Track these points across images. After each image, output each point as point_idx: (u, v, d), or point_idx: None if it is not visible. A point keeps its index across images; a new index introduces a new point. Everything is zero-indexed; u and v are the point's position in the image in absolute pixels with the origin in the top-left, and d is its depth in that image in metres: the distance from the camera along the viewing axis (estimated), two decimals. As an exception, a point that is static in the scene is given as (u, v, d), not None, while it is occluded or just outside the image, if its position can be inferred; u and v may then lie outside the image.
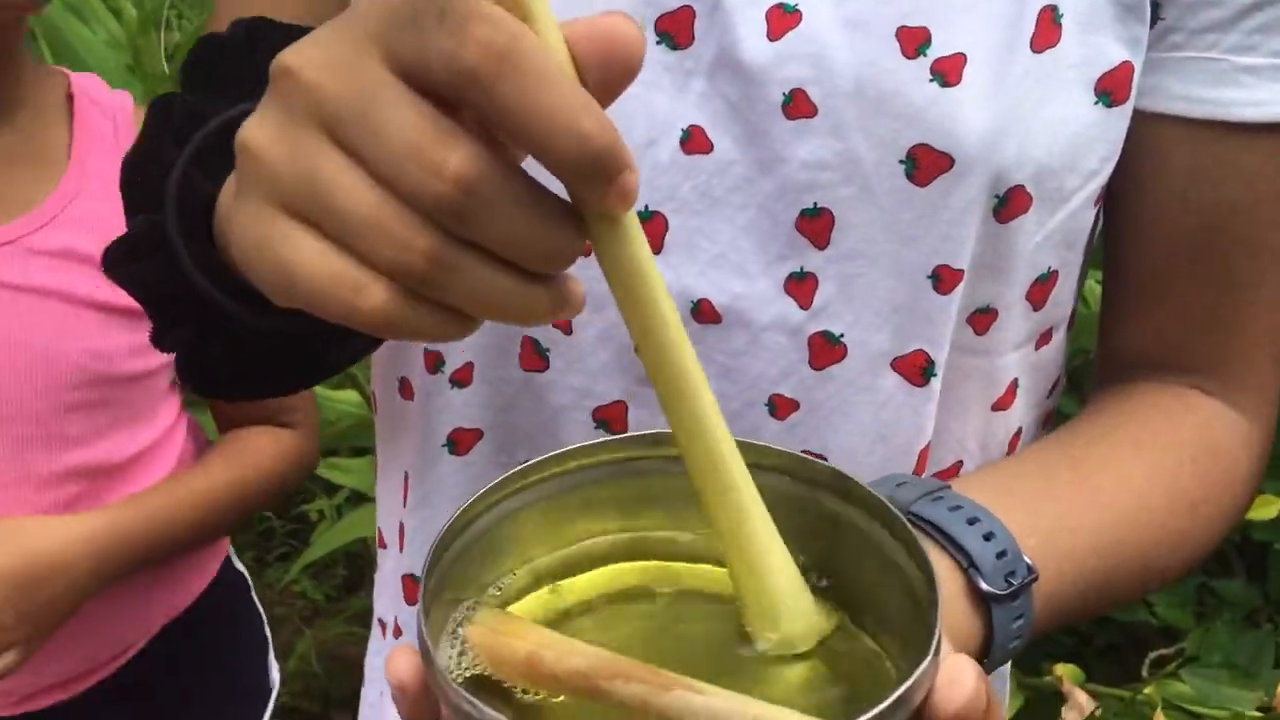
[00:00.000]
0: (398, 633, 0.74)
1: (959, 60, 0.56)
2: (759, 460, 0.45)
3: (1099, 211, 0.64)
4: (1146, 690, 1.48)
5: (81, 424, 1.02)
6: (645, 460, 0.47)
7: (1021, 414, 0.67)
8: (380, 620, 0.77)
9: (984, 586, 0.51)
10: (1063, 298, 0.64)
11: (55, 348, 0.99)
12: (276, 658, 1.30)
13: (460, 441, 0.67)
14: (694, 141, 0.59)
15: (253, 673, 1.27)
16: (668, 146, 0.59)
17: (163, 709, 1.17)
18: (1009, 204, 0.58)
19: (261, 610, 1.30)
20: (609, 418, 0.64)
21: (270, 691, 1.28)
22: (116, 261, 0.52)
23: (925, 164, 0.57)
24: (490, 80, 0.33)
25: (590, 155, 0.34)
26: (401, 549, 0.72)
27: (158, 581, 1.12)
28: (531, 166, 0.36)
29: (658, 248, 0.60)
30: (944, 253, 0.59)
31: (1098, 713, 1.49)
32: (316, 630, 2.37)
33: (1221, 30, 0.59)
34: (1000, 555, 0.52)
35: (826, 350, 0.61)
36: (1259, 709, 1.44)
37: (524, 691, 0.41)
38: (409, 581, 0.72)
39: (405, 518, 0.71)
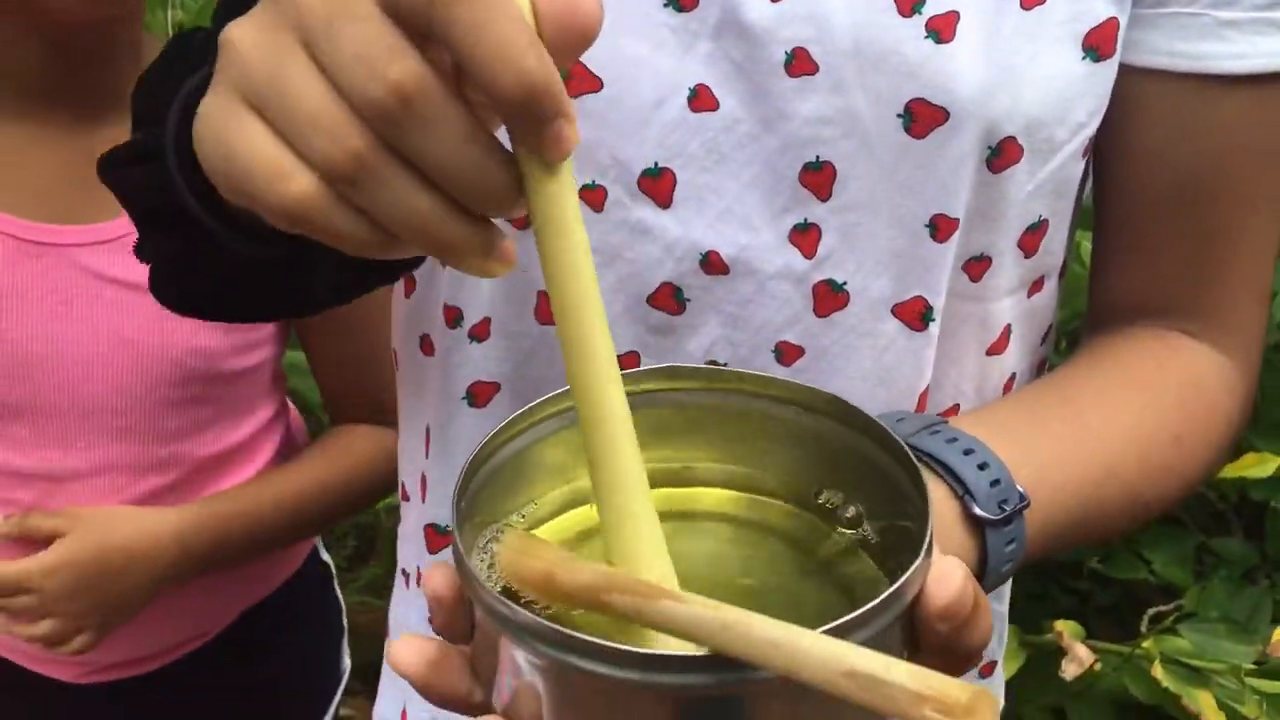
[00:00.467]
0: (421, 580, 0.77)
1: (952, 18, 0.59)
2: (770, 391, 0.49)
3: (1088, 163, 0.67)
4: (1145, 644, 1.51)
5: (181, 418, 1.04)
6: (663, 392, 0.51)
7: (1015, 359, 0.70)
8: (404, 571, 0.80)
9: (978, 512, 0.54)
10: (1054, 246, 0.67)
11: (158, 344, 1.00)
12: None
13: (479, 395, 0.70)
14: (701, 100, 0.61)
15: (327, 662, 1.28)
16: (675, 105, 0.61)
17: (234, 692, 1.18)
18: (1001, 155, 0.61)
19: (342, 601, 1.31)
20: (622, 367, 0.66)
21: (341, 678, 1.29)
22: (112, 164, 0.55)
23: (922, 117, 0.60)
24: (448, 3, 0.36)
25: (528, 93, 0.36)
26: (424, 500, 0.75)
27: (239, 572, 1.13)
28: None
29: (667, 202, 0.63)
30: (940, 202, 0.61)
31: (1097, 666, 1.52)
32: (330, 601, 2.41)
33: None
34: (994, 484, 0.55)
35: (830, 298, 0.64)
36: (1255, 662, 1.47)
37: (544, 607, 0.44)
38: (431, 531, 0.75)
39: (427, 469, 0.74)
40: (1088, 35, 0.61)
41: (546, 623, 0.40)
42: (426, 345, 0.72)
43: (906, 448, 0.47)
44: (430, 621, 0.46)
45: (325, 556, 1.28)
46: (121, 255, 0.99)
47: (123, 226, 0.99)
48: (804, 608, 0.47)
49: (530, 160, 0.39)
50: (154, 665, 1.12)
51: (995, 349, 0.68)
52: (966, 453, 0.55)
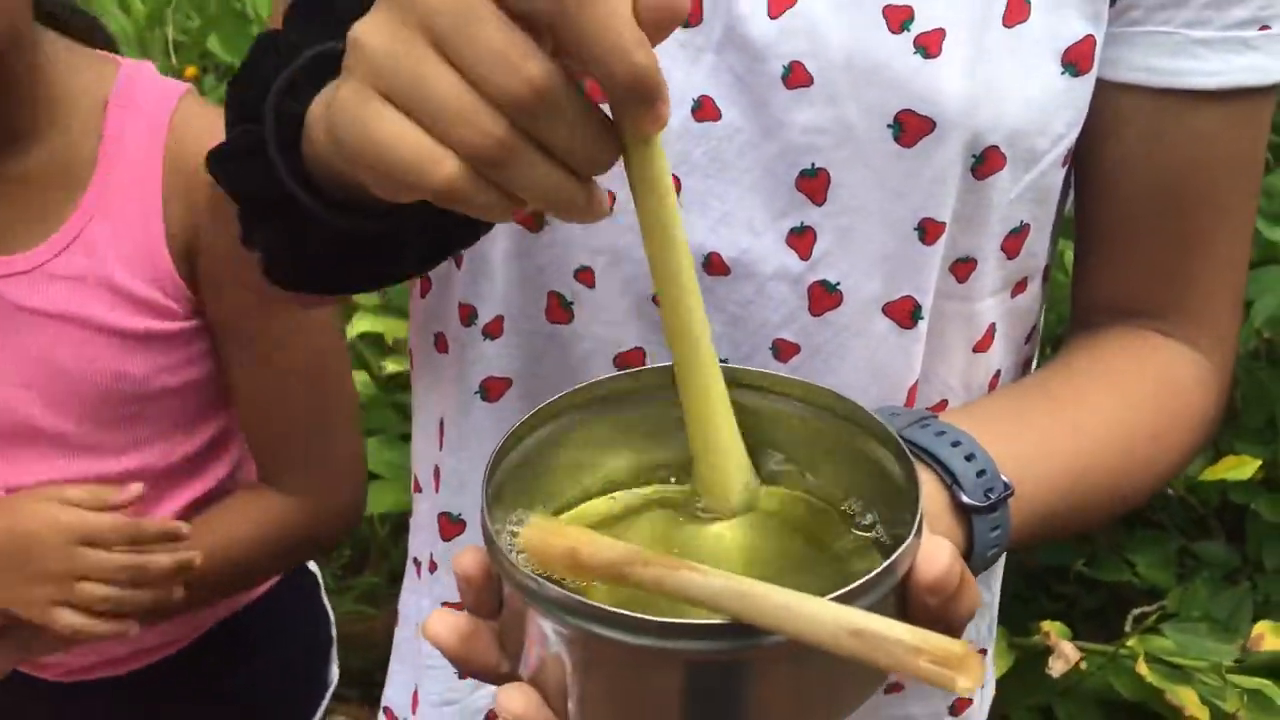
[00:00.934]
0: (433, 568, 0.81)
1: (939, 35, 0.63)
2: (773, 387, 0.53)
3: (1068, 171, 0.71)
4: (1129, 643, 1.55)
5: (120, 435, 1.03)
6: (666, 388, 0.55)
7: (1000, 357, 0.74)
8: (415, 560, 0.83)
9: (965, 499, 0.58)
10: (1036, 249, 0.71)
11: (81, 369, 1.00)
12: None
13: (491, 389, 0.74)
14: (704, 110, 0.65)
15: (312, 671, 1.28)
16: (681, 115, 0.65)
17: (211, 697, 1.18)
18: (985, 163, 0.65)
19: (330, 611, 1.31)
20: (629, 363, 0.70)
21: (326, 688, 1.29)
22: (217, 160, 0.59)
23: (910, 127, 0.64)
24: (574, 10, 0.42)
25: (638, 80, 0.43)
26: (437, 490, 0.79)
27: None
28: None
29: None
30: (928, 207, 0.65)
31: (1083, 665, 1.56)
32: (325, 610, 2.44)
33: (1176, 7, 0.66)
34: (980, 474, 0.59)
35: (824, 297, 0.67)
36: (1236, 660, 1.51)
37: (567, 583, 0.48)
38: (444, 520, 0.79)
39: (441, 461, 0.78)
40: (1066, 51, 0.65)
41: (571, 595, 0.44)
42: (441, 342, 0.76)
43: (899, 439, 0.51)
44: (460, 600, 0.50)
45: (312, 566, 1.28)
46: (40, 285, 0.98)
47: (37, 257, 0.98)
48: (809, 583, 0.51)
49: (633, 130, 0.45)
50: (132, 666, 1.13)
51: (981, 346, 0.72)
52: (954, 445, 0.59)
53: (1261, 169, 0.72)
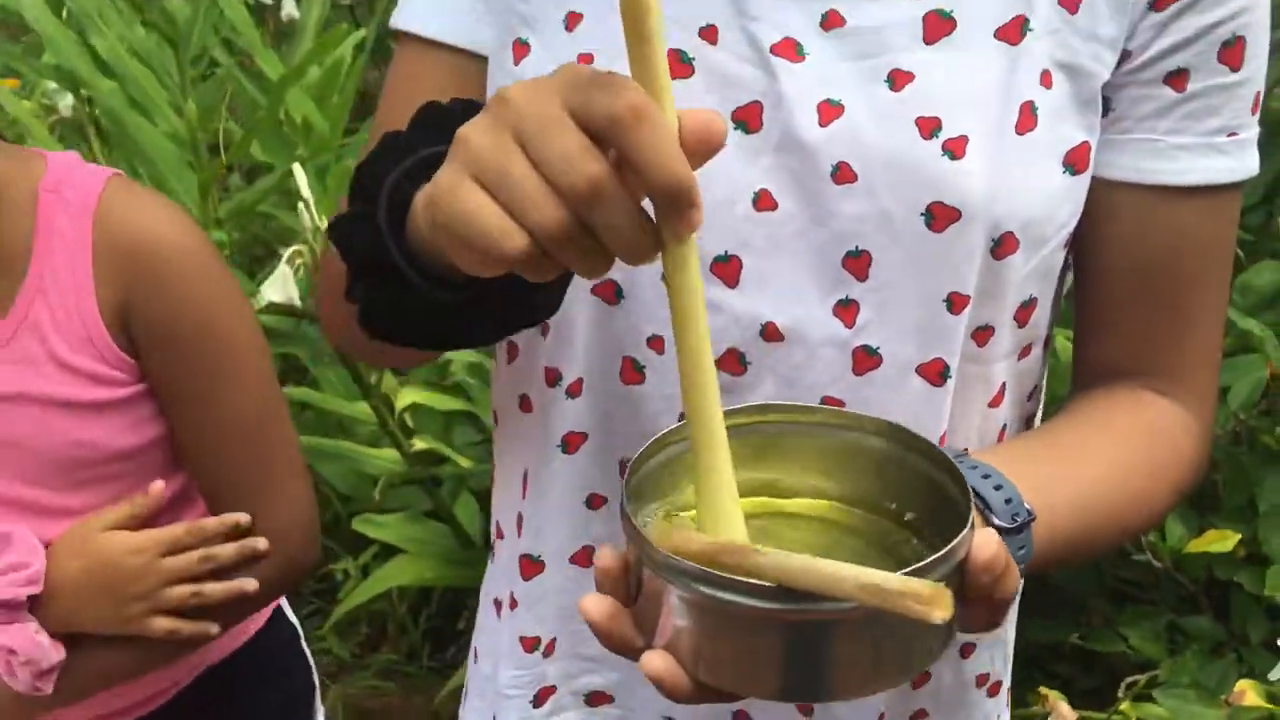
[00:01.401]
0: (513, 605, 0.91)
1: (963, 140, 0.76)
2: (839, 421, 0.65)
3: (1068, 253, 0.83)
4: (1123, 707, 1.64)
5: (92, 496, 1.10)
6: (755, 425, 0.67)
7: (1007, 411, 0.85)
8: (495, 601, 0.94)
9: (996, 522, 0.69)
10: (1040, 320, 0.83)
11: (39, 441, 1.06)
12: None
13: (570, 443, 0.85)
14: (763, 201, 0.77)
15: (299, 716, 1.33)
16: (743, 205, 0.77)
17: None
18: (1002, 245, 0.77)
19: (311, 659, 1.36)
20: None
21: None
22: (334, 228, 0.71)
23: (940, 216, 0.76)
24: (628, 126, 0.54)
25: (676, 190, 0.55)
26: (519, 535, 0.89)
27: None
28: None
29: (735, 283, 0.78)
30: (955, 283, 0.77)
31: (1080, 728, 1.65)
32: (343, 685, 2.51)
33: (1158, 117, 0.79)
34: (1007, 501, 0.70)
35: (866, 360, 0.79)
36: (1223, 723, 1.61)
37: None
38: (525, 561, 0.89)
39: (524, 508, 0.89)
40: (1067, 155, 0.78)
41: (700, 567, 0.55)
42: (525, 403, 0.87)
43: (950, 457, 0.62)
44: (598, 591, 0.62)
45: (291, 617, 1.34)
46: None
47: None
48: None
49: (669, 230, 0.57)
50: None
51: (994, 402, 0.83)
52: (985, 476, 0.71)
53: (1232, 251, 0.85)
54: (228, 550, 1.08)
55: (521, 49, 0.80)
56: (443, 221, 0.58)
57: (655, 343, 0.81)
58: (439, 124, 0.69)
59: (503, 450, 0.92)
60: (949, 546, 0.56)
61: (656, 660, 0.59)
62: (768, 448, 0.67)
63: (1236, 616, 1.90)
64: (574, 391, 0.84)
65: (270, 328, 1.96)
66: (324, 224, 1.87)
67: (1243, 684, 1.53)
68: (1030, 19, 0.76)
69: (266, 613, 1.28)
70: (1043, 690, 1.66)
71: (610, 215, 0.55)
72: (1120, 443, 0.81)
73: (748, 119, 0.77)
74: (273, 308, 1.79)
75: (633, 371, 0.82)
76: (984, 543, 0.59)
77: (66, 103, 2.62)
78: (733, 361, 0.80)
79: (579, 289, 0.80)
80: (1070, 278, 0.87)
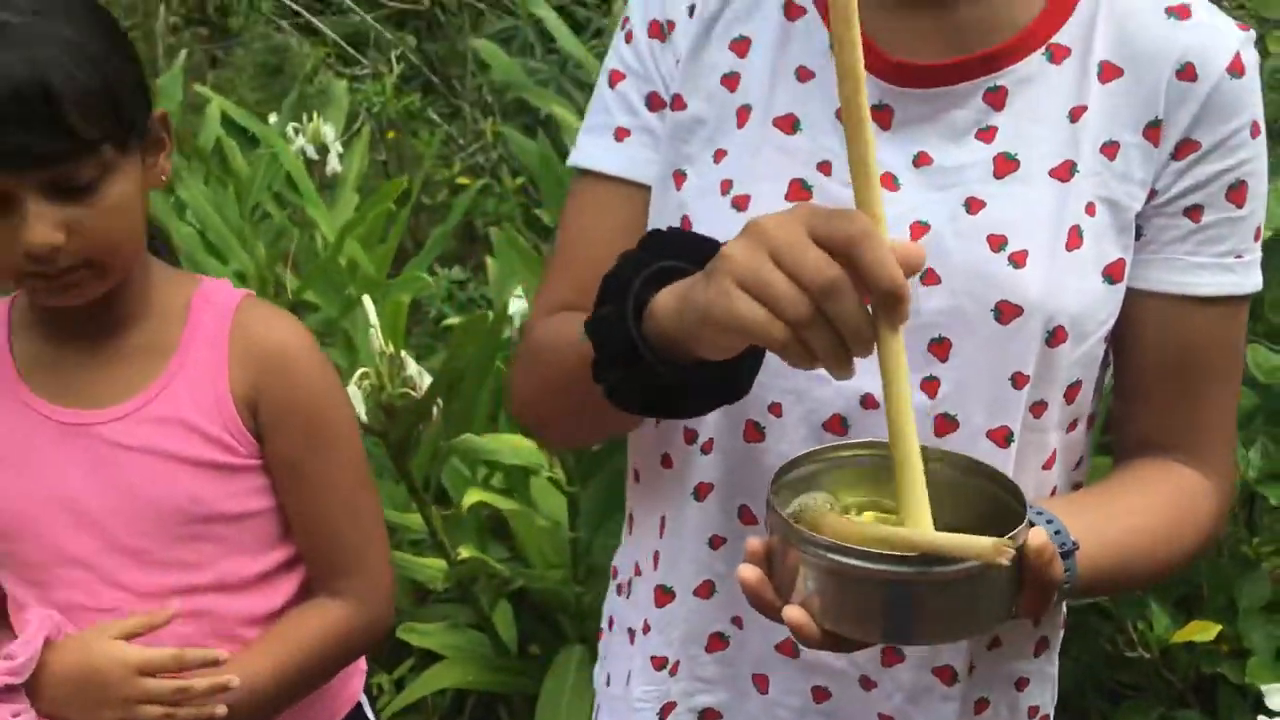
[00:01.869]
0: (646, 630, 1.10)
1: (1024, 253, 0.98)
2: (939, 457, 0.87)
3: (1108, 347, 1.04)
4: (1124, 793, 1.81)
5: (194, 552, 1.25)
6: (871, 455, 0.89)
7: (1057, 475, 1.05)
8: (630, 629, 1.13)
9: None
10: (1084, 399, 1.04)
11: (161, 492, 1.21)
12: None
13: (701, 491, 1.05)
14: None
15: None
16: None
17: None
18: (1055, 337, 0.98)
19: None
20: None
21: None
22: (587, 325, 0.91)
23: (1006, 312, 0.97)
24: (858, 244, 0.76)
25: (892, 293, 0.76)
26: (655, 569, 1.09)
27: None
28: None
29: None
30: (1018, 364, 0.98)
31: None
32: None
33: (1179, 242, 1.01)
34: (1056, 532, 0.89)
35: (946, 425, 1.00)
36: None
37: None
38: (659, 591, 1.09)
39: (660, 546, 1.08)
40: (1106, 268, 1.00)
41: (832, 539, 0.78)
42: (666, 461, 1.07)
43: (1013, 482, 0.85)
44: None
45: (369, 712, 1.42)
46: (132, 427, 1.22)
47: (131, 406, 1.22)
48: None
49: (885, 321, 0.78)
50: None
51: (1047, 465, 1.04)
52: (1039, 513, 0.90)
53: (1243, 349, 1.07)
54: (200, 685, 1.22)
55: (680, 177, 1.03)
56: (714, 319, 0.80)
57: (774, 408, 1.01)
58: (664, 245, 0.92)
59: (640, 501, 1.12)
60: (1016, 529, 0.79)
61: (795, 612, 0.80)
62: (878, 474, 0.88)
63: (1223, 708, 2.08)
64: (706, 449, 1.04)
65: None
66: (390, 349, 2.09)
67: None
68: (1078, 163, 0.98)
69: (346, 706, 1.38)
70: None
71: (844, 305, 0.76)
72: (1151, 493, 1.01)
73: None
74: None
75: (754, 431, 1.02)
76: (1036, 533, 0.81)
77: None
78: (836, 425, 1.00)
79: None
80: (1110, 370, 1.08)
